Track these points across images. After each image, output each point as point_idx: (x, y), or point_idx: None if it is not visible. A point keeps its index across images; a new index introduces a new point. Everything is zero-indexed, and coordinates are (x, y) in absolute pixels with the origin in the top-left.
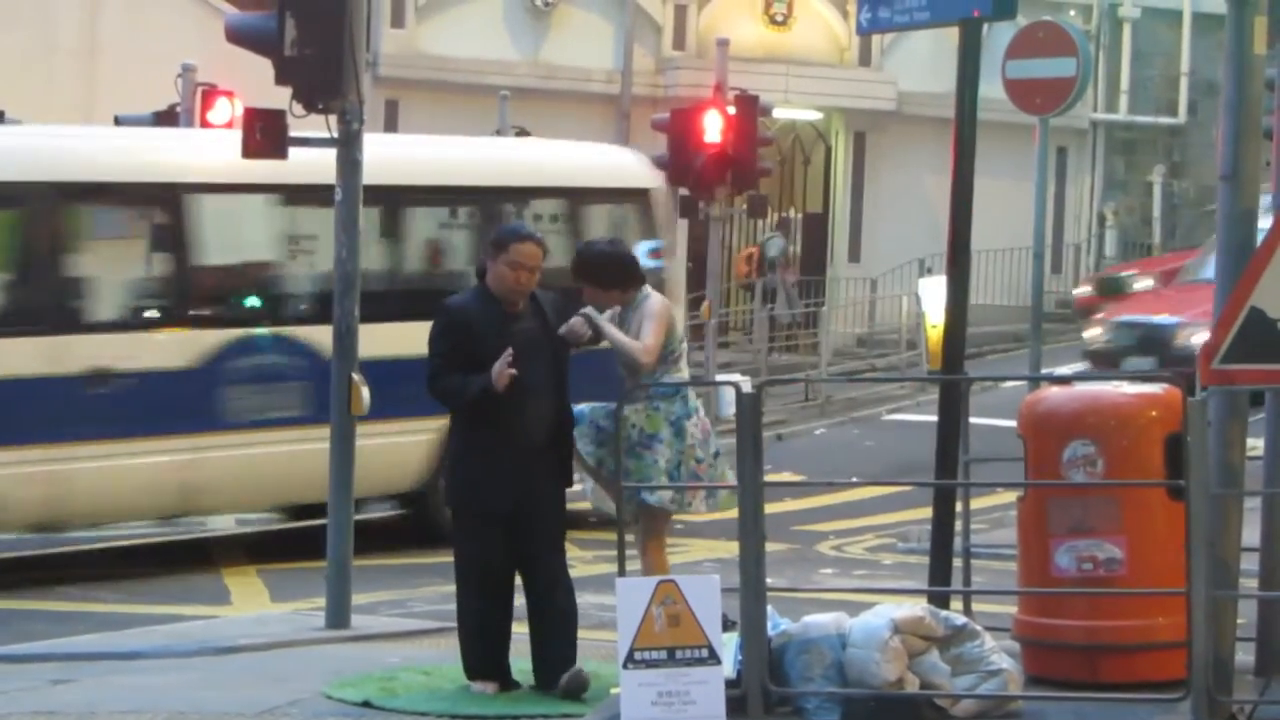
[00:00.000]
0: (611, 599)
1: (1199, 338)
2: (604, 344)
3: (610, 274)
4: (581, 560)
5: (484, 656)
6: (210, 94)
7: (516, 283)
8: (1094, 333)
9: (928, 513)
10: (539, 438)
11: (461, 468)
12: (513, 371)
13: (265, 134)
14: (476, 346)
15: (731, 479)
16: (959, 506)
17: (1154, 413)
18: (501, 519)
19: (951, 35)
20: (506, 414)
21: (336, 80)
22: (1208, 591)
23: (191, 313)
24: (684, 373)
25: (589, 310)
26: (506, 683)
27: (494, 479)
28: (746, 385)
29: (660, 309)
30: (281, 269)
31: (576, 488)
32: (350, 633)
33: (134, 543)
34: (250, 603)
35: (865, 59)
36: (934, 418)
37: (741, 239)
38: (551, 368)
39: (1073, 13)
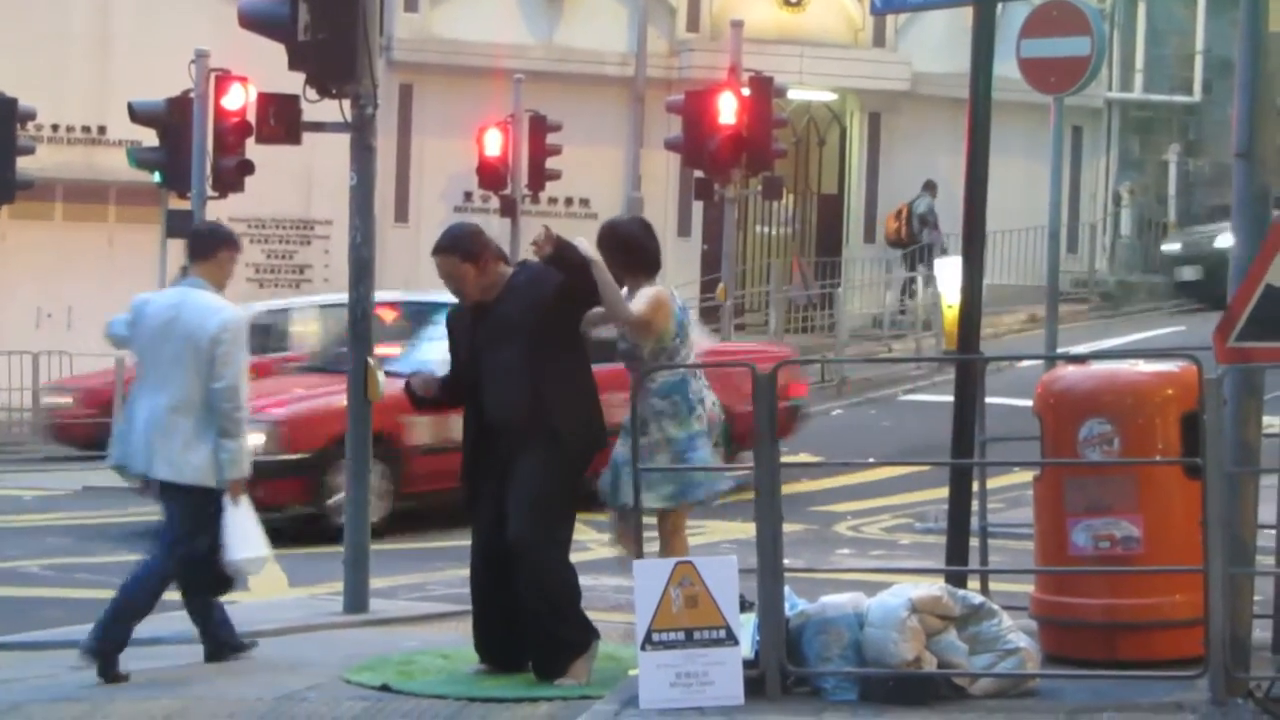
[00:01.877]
0: (629, 581)
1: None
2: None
3: (631, 257)
4: (598, 542)
5: (478, 637)
6: (223, 80)
7: (454, 293)
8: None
9: (945, 493)
10: (514, 417)
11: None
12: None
13: (279, 119)
14: (456, 348)
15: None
16: (976, 486)
17: (1170, 391)
18: (481, 507)
19: (966, 15)
20: (475, 404)
21: (350, 65)
22: (1224, 569)
23: None
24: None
25: (590, 253)
26: (515, 665)
27: (469, 471)
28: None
29: (654, 293)
30: None
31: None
32: (368, 617)
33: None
34: (268, 588)
35: (880, 39)
36: (950, 398)
37: (755, 220)
38: (522, 347)
39: None
